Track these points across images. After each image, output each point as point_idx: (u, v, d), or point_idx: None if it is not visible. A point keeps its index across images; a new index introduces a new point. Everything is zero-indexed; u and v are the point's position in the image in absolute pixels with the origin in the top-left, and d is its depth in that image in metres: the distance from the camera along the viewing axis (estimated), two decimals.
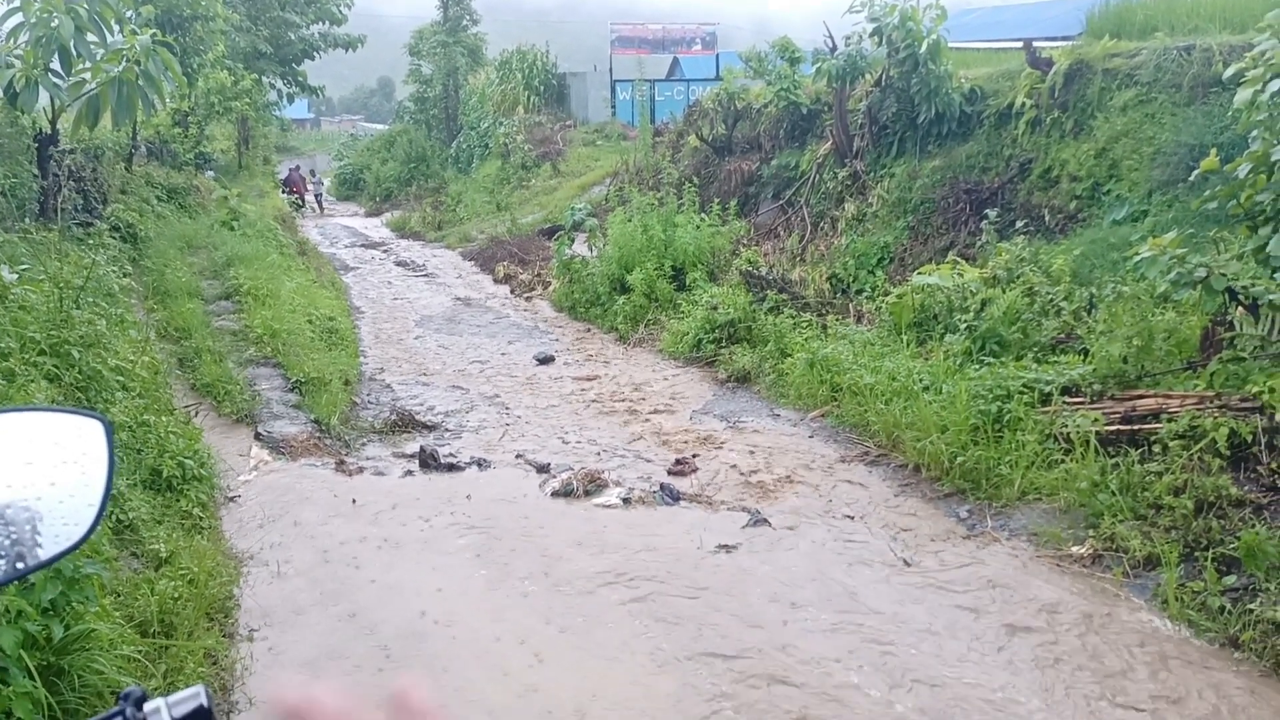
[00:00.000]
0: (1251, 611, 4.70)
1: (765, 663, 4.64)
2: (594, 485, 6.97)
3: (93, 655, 3.64)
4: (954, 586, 5.42)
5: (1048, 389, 6.87)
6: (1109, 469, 5.99)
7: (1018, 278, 8.69)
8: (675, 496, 6.84)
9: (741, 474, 7.27)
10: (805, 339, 9.43)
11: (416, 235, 23.14)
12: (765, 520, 6.37)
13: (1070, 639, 4.83)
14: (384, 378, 10.42)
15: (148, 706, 0.84)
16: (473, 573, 5.70)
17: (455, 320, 13.68)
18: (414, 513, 6.58)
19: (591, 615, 5.15)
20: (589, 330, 12.88)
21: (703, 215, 13.48)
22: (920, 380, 7.67)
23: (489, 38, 36.17)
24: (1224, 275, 6.06)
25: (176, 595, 4.60)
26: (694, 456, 7.63)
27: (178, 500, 5.93)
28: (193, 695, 0.85)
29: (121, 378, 6.64)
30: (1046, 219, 10.20)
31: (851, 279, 11.64)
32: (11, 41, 8.36)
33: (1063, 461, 6.30)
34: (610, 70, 30.03)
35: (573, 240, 14.68)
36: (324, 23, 28.72)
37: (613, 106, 29.13)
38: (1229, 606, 4.81)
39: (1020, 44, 11.88)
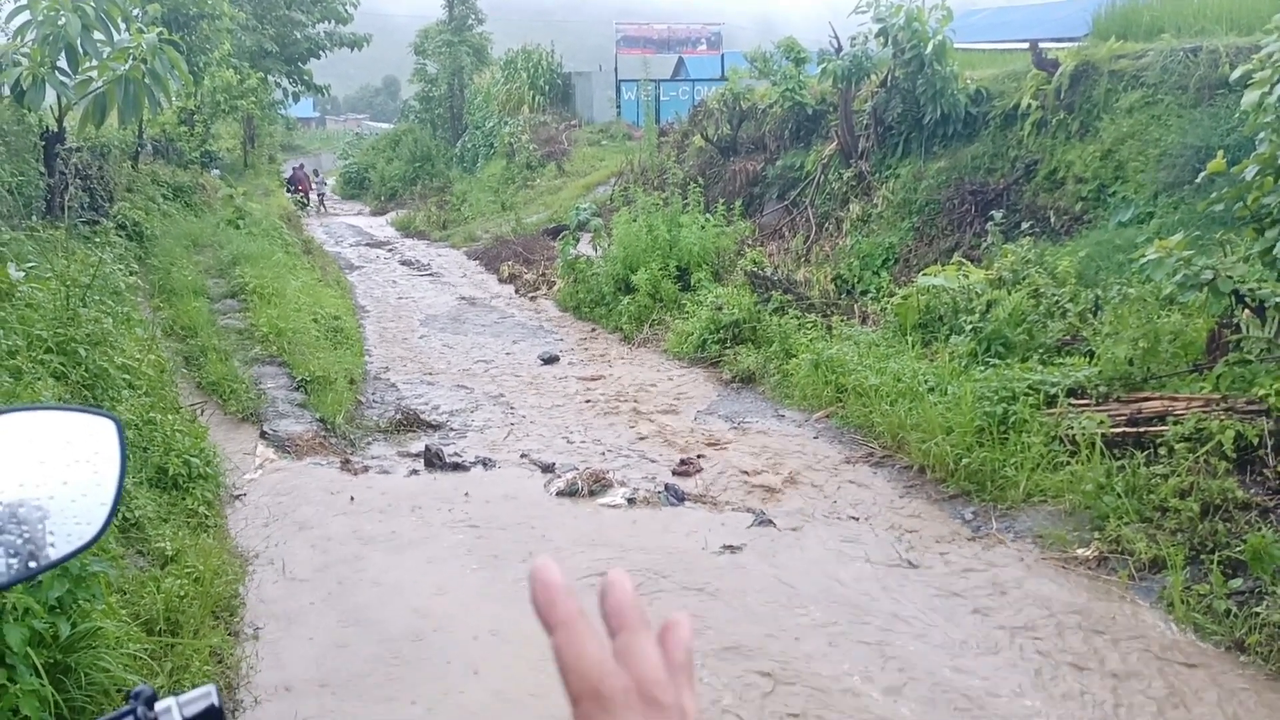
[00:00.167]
0: (1257, 615, 4.69)
1: (769, 663, 4.63)
2: (599, 485, 6.98)
3: (99, 653, 3.64)
4: (958, 588, 5.42)
5: (1053, 391, 6.85)
6: (1114, 471, 5.98)
7: (1023, 279, 8.67)
8: (680, 497, 6.84)
9: (746, 475, 7.26)
10: (810, 340, 9.41)
11: (421, 234, 23.14)
12: (770, 521, 6.37)
13: (1075, 641, 4.82)
14: (389, 377, 10.42)
15: (159, 706, 0.85)
16: (477, 572, 5.70)
17: (460, 320, 13.68)
18: (419, 512, 6.58)
19: (596, 615, 5.14)
20: (594, 330, 12.88)
21: (707, 215, 13.46)
22: (925, 381, 7.67)
23: (494, 37, 36.13)
24: (1230, 277, 6.04)
25: (182, 593, 4.62)
26: (699, 457, 7.62)
27: (183, 498, 5.95)
28: (203, 695, 0.86)
29: (128, 376, 6.66)
30: (1052, 220, 10.18)
31: (856, 280, 11.63)
32: (18, 39, 8.38)
33: (1068, 463, 6.29)
34: (615, 70, 29.99)
35: (577, 240, 14.65)
36: (330, 22, 28.69)
37: (618, 106, 29.10)
38: (1235, 610, 4.80)
39: (1026, 45, 11.87)
